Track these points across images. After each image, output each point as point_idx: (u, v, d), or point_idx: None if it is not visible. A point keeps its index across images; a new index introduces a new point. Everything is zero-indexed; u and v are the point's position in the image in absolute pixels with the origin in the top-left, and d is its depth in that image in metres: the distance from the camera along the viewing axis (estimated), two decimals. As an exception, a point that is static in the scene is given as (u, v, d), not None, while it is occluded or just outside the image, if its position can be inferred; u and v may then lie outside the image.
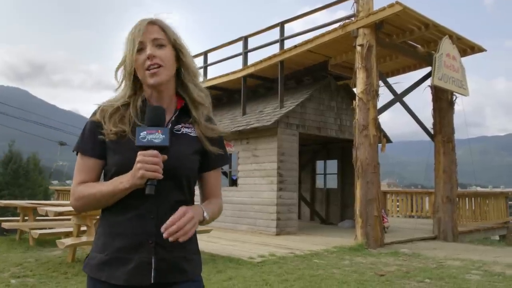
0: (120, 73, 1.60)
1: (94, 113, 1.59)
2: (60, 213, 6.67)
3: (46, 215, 6.90)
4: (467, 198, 13.40)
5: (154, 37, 1.55)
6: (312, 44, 10.43)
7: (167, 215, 1.43)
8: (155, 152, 1.40)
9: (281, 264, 6.73)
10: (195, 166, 1.61)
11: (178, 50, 1.60)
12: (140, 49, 1.54)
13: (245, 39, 12.97)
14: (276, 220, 10.59)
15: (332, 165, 14.78)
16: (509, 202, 16.44)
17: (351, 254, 7.90)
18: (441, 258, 7.63)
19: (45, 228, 8.53)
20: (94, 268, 1.52)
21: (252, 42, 13.17)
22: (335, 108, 12.31)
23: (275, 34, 12.26)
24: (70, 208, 6.87)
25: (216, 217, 1.68)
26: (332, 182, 14.82)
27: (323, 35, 10.17)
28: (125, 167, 1.46)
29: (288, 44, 11.85)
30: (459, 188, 12.03)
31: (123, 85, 1.61)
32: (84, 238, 6.53)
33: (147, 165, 1.38)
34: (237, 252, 7.49)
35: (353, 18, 9.61)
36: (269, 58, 11.53)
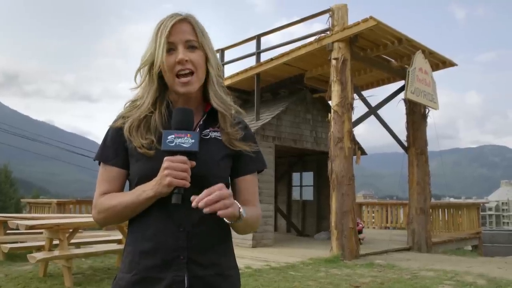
0: (142, 73, 1.46)
1: (116, 120, 1.47)
2: (32, 227, 6.51)
3: (17, 229, 6.73)
4: (440, 209, 13.61)
5: (187, 38, 1.40)
6: (288, 57, 10.53)
7: (198, 227, 1.36)
8: (184, 158, 1.27)
9: (257, 277, 6.71)
10: (225, 173, 1.46)
11: (206, 54, 1.45)
12: (170, 49, 1.39)
13: (221, 51, 13.00)
14: (252, 233, 10.56)
15: (308, 177, 14.85)
16: (481, 213, 16.77)
17: (326, 266, 7.94)
18: (415, 269, 7.73)
19: (16, 242, 8.32)
20: None
21: (229, 55, 13.07)
22: (311, 120, 12.42)
23: (251, 46, 12.31)
24: (42, 221, 6.72)
25: (253, 225, 1.53)
26: (308, 194, 14.86)
27: (299, 48, 10.29)
28: (149, 175, 1.33)
29: (264, 56, 11.89)
30: (433, 199, 12.21)
31: (144, 85, 1.46)
32: (56, 252, 6.37)
33: (175, 172, 1.25)
34: (213, 265, 7.41)
35: (328, 32, 9.73)
36: (246, 70, 11.59)
